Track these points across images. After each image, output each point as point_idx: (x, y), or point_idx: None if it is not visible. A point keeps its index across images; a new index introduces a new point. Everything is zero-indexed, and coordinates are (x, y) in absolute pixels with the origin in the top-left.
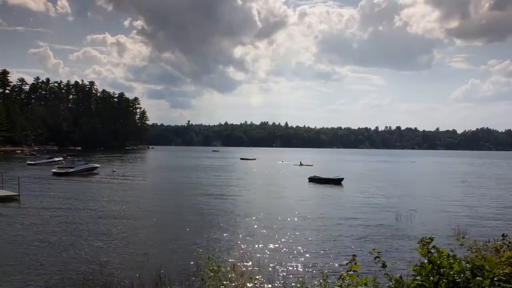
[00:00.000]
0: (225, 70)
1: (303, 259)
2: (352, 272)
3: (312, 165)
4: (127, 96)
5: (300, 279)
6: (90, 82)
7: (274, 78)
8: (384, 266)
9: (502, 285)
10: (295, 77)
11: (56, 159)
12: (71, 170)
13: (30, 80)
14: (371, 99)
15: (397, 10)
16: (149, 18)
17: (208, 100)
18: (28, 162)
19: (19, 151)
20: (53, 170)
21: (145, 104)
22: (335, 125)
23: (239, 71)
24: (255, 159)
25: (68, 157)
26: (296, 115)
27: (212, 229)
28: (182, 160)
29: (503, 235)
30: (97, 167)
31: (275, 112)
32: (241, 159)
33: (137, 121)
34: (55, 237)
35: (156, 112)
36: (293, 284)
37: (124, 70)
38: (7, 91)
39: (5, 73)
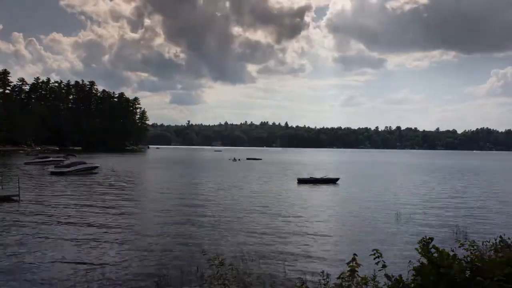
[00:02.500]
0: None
1: (303, 258)
2: (352, 272)
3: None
4: (127, 96)
5: (301, 278)
6: (90, 82)
7: (300, 67)
8: (384, 266)
9: (502, 285)
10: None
11: (52, 158)
12: (67, 169)
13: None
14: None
15: None
16: None
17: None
18: (25, 161)
19: (21, 151)
20: (50, 170)
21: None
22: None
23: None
24: (261, 159)
25: (68, 156)
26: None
27: (212, 229)
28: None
29: (501, 237)
30: (97, 167)
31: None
32: (247, 159)
33: (137, 121)
34: (54, 237)
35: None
36: (293, 283)
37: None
38: (7, 91)
39: (5, 73)
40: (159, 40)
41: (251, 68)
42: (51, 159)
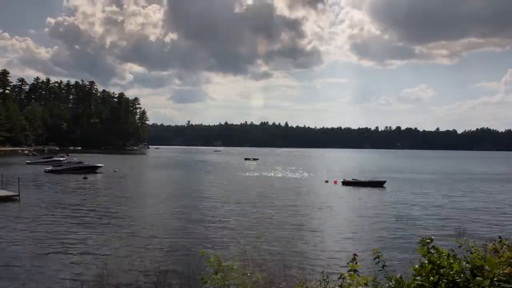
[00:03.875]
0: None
1: (303, 258)
2: (352, 272)
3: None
4: (127, 96)
5: (301, 278)
6: (90, 82)
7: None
8: (384, 266)
9: (502, 285)
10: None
11: (56, 158)
12: (60, 168)
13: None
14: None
15: None
16: None
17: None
18: (27, 161)
19: (23, 151)
20: (46, 168)
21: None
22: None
23: None
24: (258, 159)
25: (67, 155)
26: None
27: (212, 229)
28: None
29: (500, 237)
30: (99, 166)
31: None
32: (245, 159)
33: (137, 121)
34: (54, 237)
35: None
36: (293, 283)
37: None
38: (7, 91)
39: (5, 73)
40: (149, 25)
41: (256, 59)
42: (54, 159)
